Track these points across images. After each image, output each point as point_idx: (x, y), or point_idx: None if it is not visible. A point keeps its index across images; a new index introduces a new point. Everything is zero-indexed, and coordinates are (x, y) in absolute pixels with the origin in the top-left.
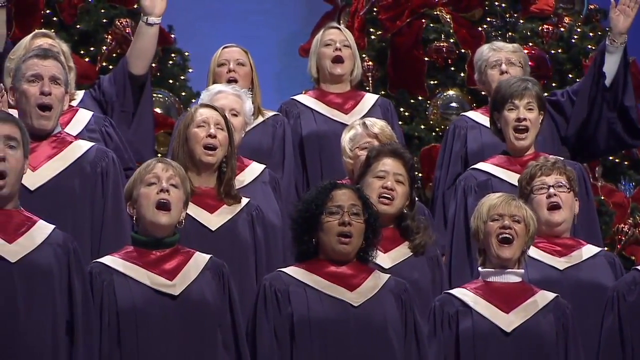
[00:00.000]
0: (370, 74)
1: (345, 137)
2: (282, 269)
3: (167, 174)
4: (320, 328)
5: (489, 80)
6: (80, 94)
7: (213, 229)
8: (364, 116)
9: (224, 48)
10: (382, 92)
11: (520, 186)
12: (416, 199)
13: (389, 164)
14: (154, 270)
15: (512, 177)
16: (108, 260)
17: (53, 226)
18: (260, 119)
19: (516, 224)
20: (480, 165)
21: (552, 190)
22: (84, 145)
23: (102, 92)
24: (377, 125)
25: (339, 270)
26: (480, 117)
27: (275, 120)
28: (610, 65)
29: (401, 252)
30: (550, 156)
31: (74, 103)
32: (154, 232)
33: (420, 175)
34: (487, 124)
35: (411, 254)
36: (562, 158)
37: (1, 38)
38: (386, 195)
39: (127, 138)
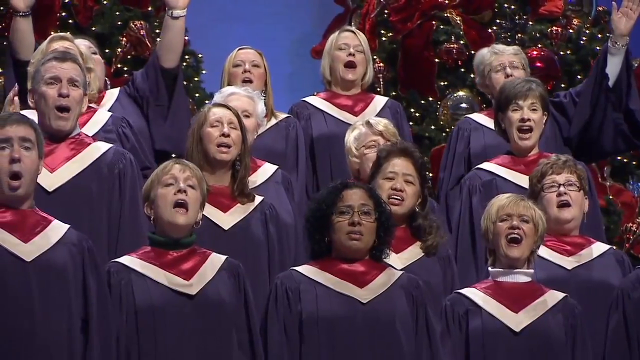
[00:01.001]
0: (381, 75)
1: (350, 138)
2: (295, 268)
3: (185, 174)
4: (328, 325)
5: (493, 84)
6: (115, 92)
7: (226, 228)
8: None
9: (239, 49)
10: (393, 93)
11: (531, 184)
12: (428, 197)
13: (398, 165)
14: (171, 270)
15: (517, 177)
16: (126, 260)
17: (68, 226)
18: (274, 121)
19: (525, 224)
20: (485, 165)
21: (562, 188)
22: (102, 147)
23: (136, 88)
24: (381, 123)
25: (351, 267)
26: (483, 118)
27: (288, 122)
28: (613, 67)
29: (413, 252)
30: (562, 155)
31: (111, 101)
32: (172, 233)
33: (430, 175)
34: (490, 126)
35: (423, 254)
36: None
37: (30, 46)
38: (395, 197)
39: (164, 131)
